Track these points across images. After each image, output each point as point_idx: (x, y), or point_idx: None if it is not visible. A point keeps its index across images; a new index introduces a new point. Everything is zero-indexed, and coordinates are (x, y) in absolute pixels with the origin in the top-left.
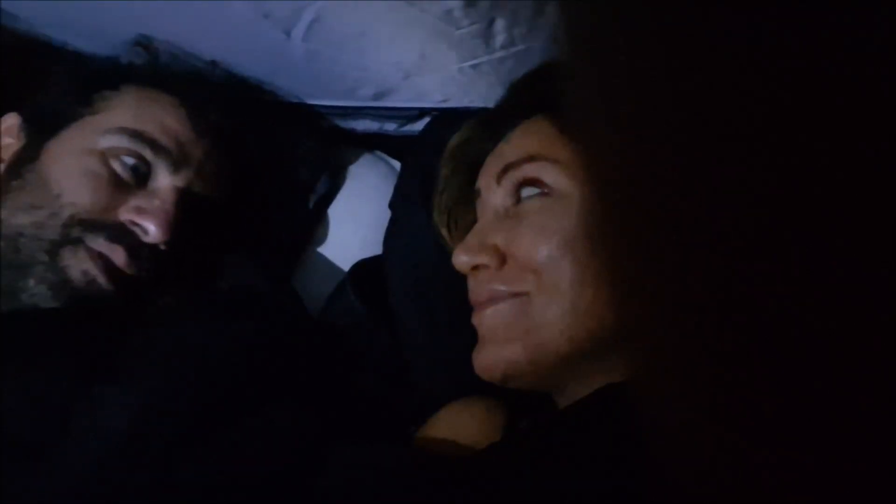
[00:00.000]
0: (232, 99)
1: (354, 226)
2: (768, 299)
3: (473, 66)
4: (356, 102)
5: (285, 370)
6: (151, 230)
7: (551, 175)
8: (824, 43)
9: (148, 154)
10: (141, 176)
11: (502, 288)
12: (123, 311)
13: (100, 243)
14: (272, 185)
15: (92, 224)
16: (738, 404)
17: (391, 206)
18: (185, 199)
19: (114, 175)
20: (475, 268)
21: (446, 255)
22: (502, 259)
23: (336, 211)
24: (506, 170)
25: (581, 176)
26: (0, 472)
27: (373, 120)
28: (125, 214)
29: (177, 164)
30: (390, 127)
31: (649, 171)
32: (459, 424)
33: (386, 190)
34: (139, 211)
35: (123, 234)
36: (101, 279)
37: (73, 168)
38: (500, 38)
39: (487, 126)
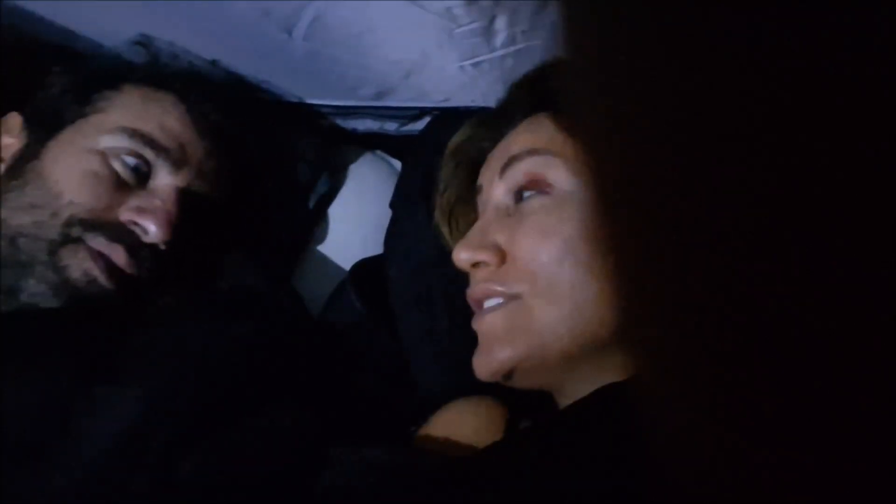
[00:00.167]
0: (232, 98)
1: (355, 225)
2: (768, 299)
3: (474, 65)
4: (357, 102)
5: (285, 370)
6: (152, 230)
7: (555, 171)
8: (824, 43)
9: (148, 154)
10: (141, 176)
11: (498, 287)
12: (124, 311)
13: (100, 243)
14: (272, 184)
15: (92, 224)
16: (738, 404)
17: (392, 205)
18: (185, 198)
19: (114, 175)
20: (475, 265)
21: (447, 254)
22: (503, 257)
23: (336, 211)
24: (509, 163)
25: (583, 173)
26: (0, 473)
27: (373, 119)
28: (125, 214)
29: (177, 164)
30: (391, 126)
31: (650, 170)
32: (460, 424)
33: (386, 190)
34: (139, 211)
35: (124, 234)
36: (102, 278)
37: (74, 168)
38: (500, 37)
39: (489, 124)
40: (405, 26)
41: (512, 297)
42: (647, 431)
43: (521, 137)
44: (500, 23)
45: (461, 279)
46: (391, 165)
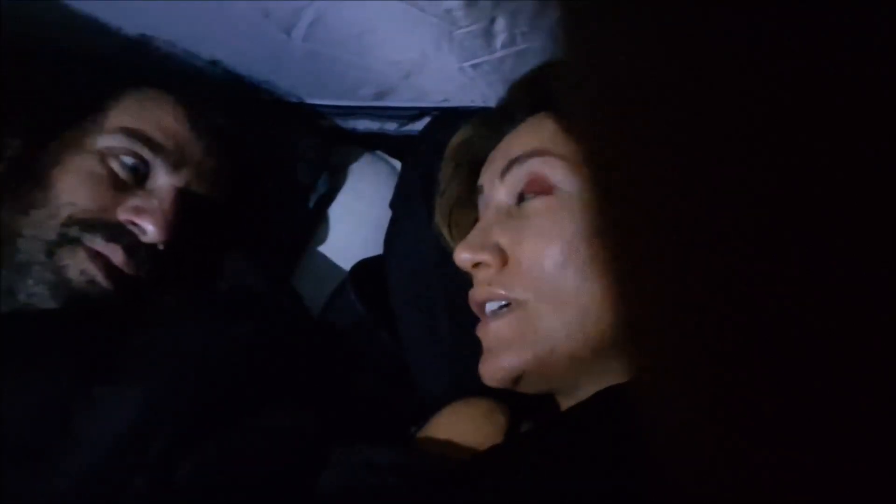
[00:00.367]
0: (232, 98)
1: (355, 226)
2: (769, 299)
3: (474, 66)
4: (356, 102)
5: (285, 370)
6: (150, 230)
7: (557, 172)
8: (824, 43)
9: (146, 154)
10: (140, 176)
11: (501, 291)
12: (123, 312)
13: (98, 243)
14: (272, 184)
15: (90, 224)
16: (738, 404)
17: (392, 206)
18: (183, 198)
19: (112, 175)
20: (476, 265)
21: (447, 255)
22: (504, 259)
23: (336, 211)
24: (510, 164)
25: (584, 174)
26: (0, 474)
27: (373, 119)
28: (123, 214)
29: (176, 164)
30: (391, 126)
31: (650, 170)
32: (461, 425)
33: (386, 190)
34: (137, 211)
35: (122, 234)
36: (100, 278)
37: (72, 168)
38: (500, 38)
39: (489, 124)
40: (405, 27)
41: (516, 303)
42: (647, 432)
43: (521, 138)
44: (500, 24)
45: (461, 280)
46: (391, 165)
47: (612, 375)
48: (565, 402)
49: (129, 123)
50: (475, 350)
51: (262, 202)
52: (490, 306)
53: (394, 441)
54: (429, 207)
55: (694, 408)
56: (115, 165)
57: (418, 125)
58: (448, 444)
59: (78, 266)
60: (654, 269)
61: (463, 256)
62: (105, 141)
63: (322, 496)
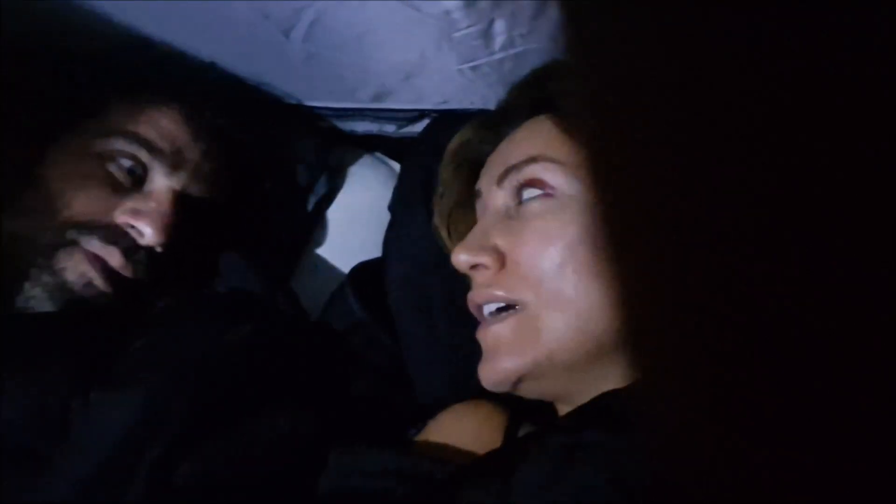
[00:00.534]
0: (230, 100)
1: (354, 228)
2: (769, 300)
3: (473, 68)
4: (355, 104)
5: (284, 373)
6: (147, 232)
7: (554, 176)
8: (824, 43)
9: (144, 156)
10: (137, 178)
11: (500, 293)
12: (121, 314)
13: (95, 245)
14: (270, 186)
15: (88, 226)
16: (738, 405)
17: (391, 208)
18: (181, 200)
19: (110, 177)
20: (474, 267)
21: (446, 257)
22: (502, 261)
23: (335, 213)
24: (507, 172)
25: (583, 177)
26: None
27: (372, 121)
28: (121, 217)
29: (173, 166)
30: (390, 128)
31: (650, 172)
32: (459, 428)
33: (385, 192)
34: (135, 213)
35: (119, 236)
36: (98, 281)
37: (70, 171)
38: (499, 40)
39: (488, 127)
40: (404, 29)
41: (516, 304)
42: (647, 434)
43: (519, 144)
44: (499, 26)
45: (460, 282)
46: (390, 167)
47: (611, 379)
48: (563, 406)
49: (127, 126)
50: (474, 353)
51: (261, 204)
52: (488, 308)
53: (392, 443)
54: (428, 209)
55: (694, 409)
56: (112, 168)
57: (417, 127)
58: (446, 448)
59: (76, 269)
60: (655, 270)
61: (461, 258)
62: (103, 144)
63: (320, 499)
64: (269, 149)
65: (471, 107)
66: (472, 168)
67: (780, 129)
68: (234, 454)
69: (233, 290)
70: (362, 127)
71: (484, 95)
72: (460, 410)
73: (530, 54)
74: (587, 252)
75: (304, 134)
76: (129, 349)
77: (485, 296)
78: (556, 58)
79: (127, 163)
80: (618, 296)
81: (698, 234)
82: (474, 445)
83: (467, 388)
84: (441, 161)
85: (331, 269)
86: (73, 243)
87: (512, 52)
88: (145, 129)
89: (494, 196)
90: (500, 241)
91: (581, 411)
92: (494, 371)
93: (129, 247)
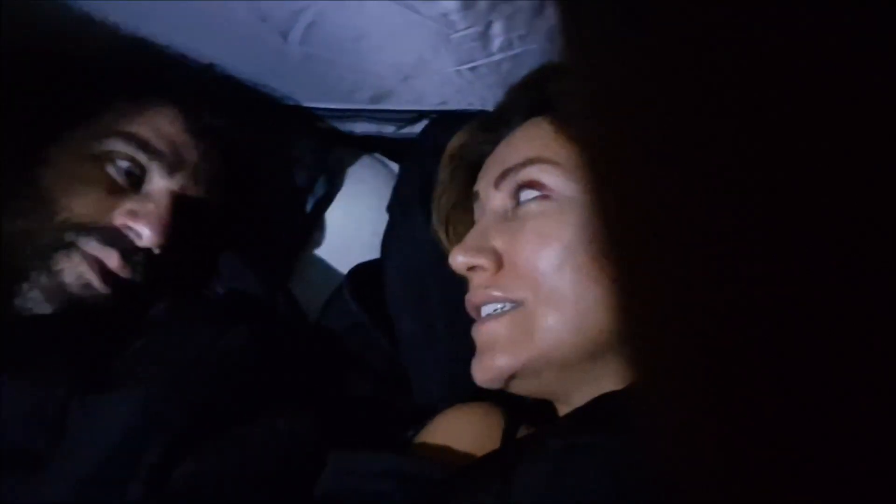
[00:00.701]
0: (228, 102)
1: (352, 229)
2: (767, 299)
3: (471, 69)
4: (354, 105)
5: (282, 375)
6: (145, 234)
7: (552, 177)
8: (825, 44)
9: (142, 157)
10: (135, 179)
11: (498, 293)
12: (119, 316)
13: (93, 247)
14: (269, 187)
15: (85, 228)
16: (737, 405)
17: (389, 209)
18: (179, 202)
19: (108, 179)
20: (471, 269)
21: (444, 258)
22: (500, 262)
23: (334, 214)
24: (505, 174)
25: (581, 178)
26: None
27: (371, 122)
28: (119, 218)
29: (171, 168)
30: (389, 129)
31: (647, 173)
32: (458, 430)
33: (384, 193)
34: (133, 214)
35: (117, 238)
36: (96, 283)
37: (68, 172)
38: (497, 42)
39: (486, 128)
40: (402, 31)
41: (513, 303)
42: (646, 435)
43: (516, 146)
44: (497, 28)
45: (458, 283)
46: (389, 168)
47: (608, 380)
48: (562, 408)
49: (126, 127)
50: (472, 354)
51: (259, 205)
52: (486, 309)
53: (391, 445)
54: (426, 211)
55: (693, 409)
56: (110, 169)
57: (416, 128)
58: (445, 449)
59: (73, 270)
60: (652, 271)
61: (458, 260)
62: (101, 145)
63: (318, 500)
64: (267, 150)
65: (469, 108)
66: (470, 169)
67: (779, 130)
68: (232, 456)
69: (231, 291)
70: (361, 128)
71: (482, 97)
72: (459, 412)
73: (528, 56)
74: (584, 253)
75: (303, 135)
76: (127, 351)
77: (483, 297)
78: (553, 60)
79: (125, 164)
80: (615, 296)
81: (696, 234)
82: (473, 447)
83: (466, 390)
84: (440, 162)
85: (329, 270)
86: (71, 245)
87: (510, 53)
88: (143, 131)
89: (492, 197)
90: (498, 243)
91: (580, 413)
92: (487, 368)
93: (127, 248)
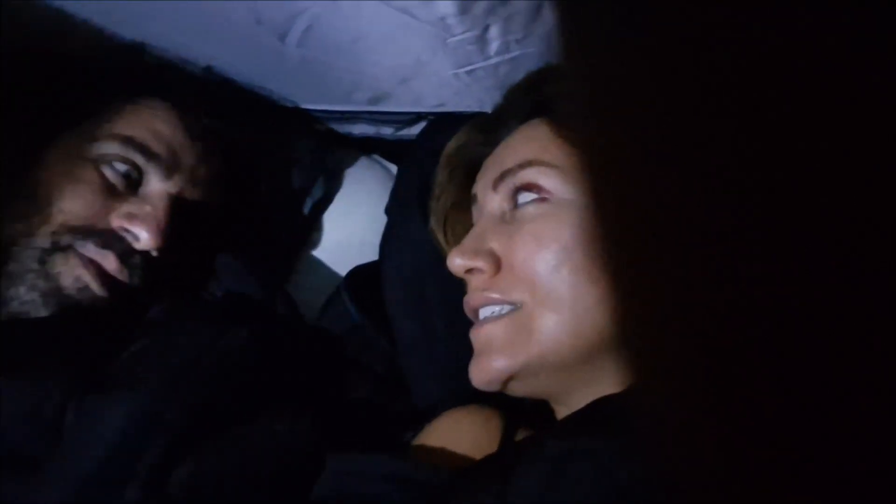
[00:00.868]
0: (226, 104)
1: (351, 231)
2: (767, 300)
3: (469, 72)
4: (352, 107)
5: (281, 377)
6: (143, 236)
7: (550, 180)
8: (824, 44)
9: (139, 160)
10: (132, 182)
11: (496, 295)
12: (116, 319)
13: (90, 249)
14: (267, 189)
15: (83, 231)
16: (736, 405)
17: (387, 210)
18: (177, 204)
19: (105, 181)
20: (469, 271)
21: (442, 260)
22: (498, 264)
23: (332, 215)
24: (503, 176)
25: (579, 180)
26: None
27: (369, 124)
28: (116, 221)
29: (169, 170)
30: (387, 131)
31: (647, 174)
32: (456, 433)
33: (383, 194)
34: (130, 217)
35: (114, 241)
36: (94, 285)
37: (65, 175)
38: (494, 45)
39: (484, 130)
40: (399, 34)
41: (511, 305)
42: (646, 437)
43: (514, 149)
44: (494, 31)
45: (456, 286)
46: (387, 169)
47: (607, 382)
48: (560, 411)
49: (123, 130)
50: (470, 356)
51: (258, 207)
52: (484, 312)
53: (389, 447)
54: (424, 212)
55: (693, 410)
56: (107, 172)
57: (415, 129)
58: (443, 453)
59: (71, 273)
60: (650, 273)
61: (456, 262)
62: (98, 148)
63: (316, 503)
64: (265, 151)
65: (467, 110)
66: (468, 171)
67: (778, 131)
68: (231, 459)
69: (229, 293)
70: (359, 129)
71: (480, 99)
72: (457, 415)
73: (526, 59)
74: (582, 255)
75: (301, 136)
76: (124, 353)
77: (481, 300)
78: (551, 62)
79: (122, 167)
80: (613, 298)
81: (694, 235)
82: (471, 450)
83: (464, 392)
84: (438, 164)
85: (328, 271)
86: (69, 248)
87: (507, 56)
88: (141, 133)
89: (490, 200)
90: (496, 245)
91: (578, 416)
92: (485, 370)
93: (125, 251)
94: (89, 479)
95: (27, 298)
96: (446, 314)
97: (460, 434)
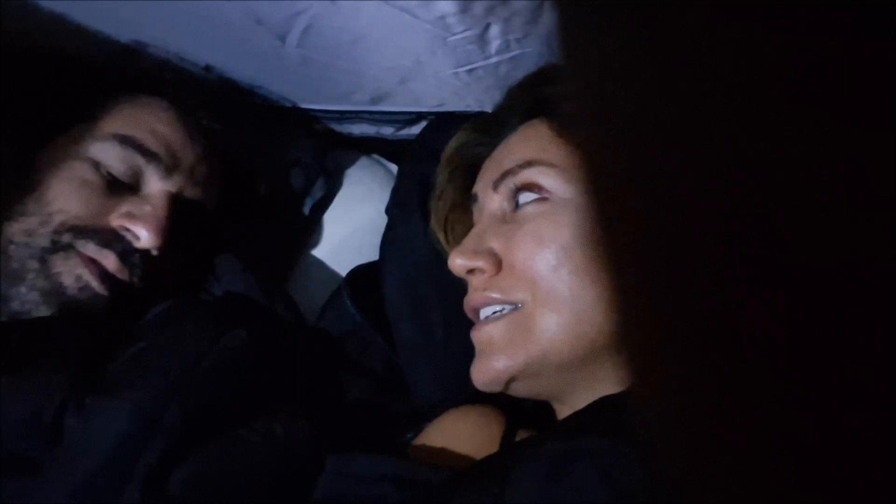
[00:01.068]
0: (226, 104)
1: (351, 231)
2: (768, 299)
3: (469, 71)
4: (352, 107)
5: (280, 379)
6: (143, 235)
7: (550, 179)
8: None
9: (139, 160)
10: (132, 181)
11: (497, 295)
12: (116, 318)
13: (91, 249)
14: (266, 189)
15: (83, 230)
16: (737, 404)
17: (388, 210)
18: (177, 204)
19: (105, 181)
20: (471, 272)
21: (442, 260)
22: (498, 264)
23: (332, 215)
24: (503, 176)
25: (579, 180)
26: None
27: (369, 124)
28: (116, 220)
29: (168, 170)
30: (387, 130)
31: (646, 174)
32: (456, 433)
33: (383, 194)
34: (130, 216)
35: (115, 240)
36: (94, 285)
37: (64, 175)
38: (495, 44)
39: (484, 129)
40: (399, 34)
41: (512, 305)
42: (645, 439)
43: (514, 149)
44: (494, 31)
45: (457, 286)
46: (387, 169)
47: (607, 382)
48: (561, 411)
49: (122, 130)
50: (470, 356)
51: (257, 207)
52: (485, 312)
53: (389, 448)
54: (425, 213)
55: (692, 410)
56: (107, 171)
57: (415, 129)
58: (443, 453)
59: (71, 273)
60: (649, 273)
61: (457, 263)
62: (98, 147)
63: None
64: (265, 151)
65: (467, 109)
66: (468, 171)
67: (778, 131)
68: (229, 461)
69: (229, 293)
70: (359, 129)
71: (480, 98)
72: (457, 415)
73: (526, 58)
74: (582, 254)
75: (301, 136)
76: (124, 354)
77: (481, 300)
78: (551, 62)
79: (122, 166)
80: (612, 298)
81: (693, 235)
82: (471, 450)
83: (464, 393)
84: (438, 164)
85: (328, 272)
86: (69, 247)
87: (507, 56)
88: (140, 132)
89: (490, 200)
90: (496, 245)
91: (578, 416)
92: (486, 370)
93: (125, 250)
94: (89, 480)
95: (28, 298)
96: (446, 314)
97: (460, 434)
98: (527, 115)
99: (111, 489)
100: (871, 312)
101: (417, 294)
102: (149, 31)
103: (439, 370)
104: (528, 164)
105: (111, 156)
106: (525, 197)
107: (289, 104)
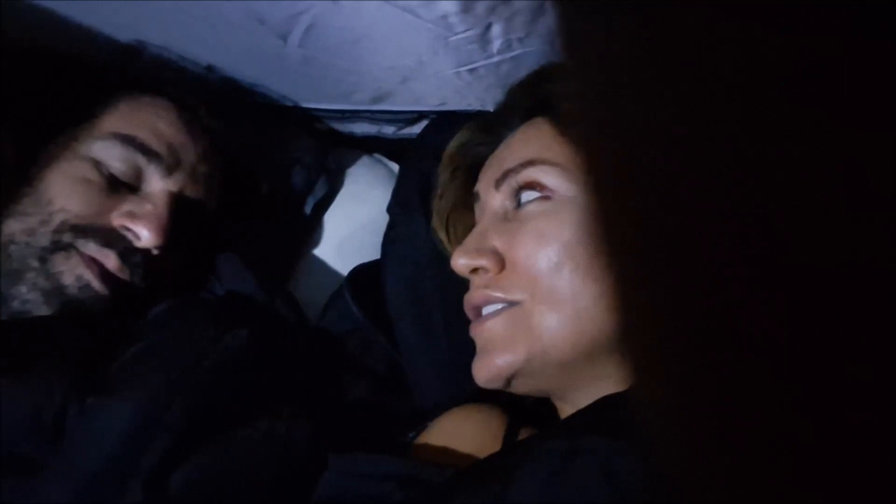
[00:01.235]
0: (227, 103)
1: (352, 230)
2: (768, 299)
3: (470, 71)
4: (354, 106)
5: (281, 378)
6: (144, 235)
7: (552, 178)
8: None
9: (140, 159)
10: (133, 181)
11: (498, 294)
12: (117, 318)
13: (91, 248)
14: (268, 188)
15: (83, 229)
16: (738, 404)
17: (389, 210)
18: (178, 203)
19: (105, 180)
20: (474, 271)
21: (444, 259)
22: (501, 263)
23: (334, 215)
24: (505, 175)
25: (580, 178)
26: None
27: (371, 123)
28: (117, 219)
29: (169, 169)
30: (388, 130)
31: (645, 173)
32: (458, 432)
33: (384, 193)
34: (131, 216)
35: (116, 239)
36: (95, 284)
37: (65, 174)
38: (496, 44)
39: (486, 128)
40: (400, 33)
41: (512, 303)
42: (647, 438)
43: (515, 148)
44: (496, 30)
45: (458, 285)
46: (389, 168)
47: (610, 380)
48: (563, 409)
49: (123, 129)
50: (472, 355)
51: (258, 206)
52: (486, 310)
53: (391, 448)
54: (426, 211)
55: (692, 409)
56: (108, 171)
57: (416, 128)
58: (445, 452)
59: (72, 272)
60: (651, 271)
61: (461, 262)
62: (98, 146)
63: None
64: (266, 151)
65: (469, 108)
66: (469, 170)
67: (778, 131)
68: (231, 460)
69: (230, 292)
70: (361, 129)
71: (482, 97)
72: (459, 414)
73: (527, 57)
74: (584, 253)
75: (303, 136)
76: (125, 354)
77: (483, 298)
78: (552, 61)
79: (123, 165)
80: (614, 296)
81: (694, 234)
82: (473, 449)
83: (466, 391)
84: (440, 163)
85: (329, 271)
86: (70, 246)
87: (509, 55)
88: (141, 131)
89: (492, 199)
90: (499, 243)
91: (580, 415)
92: (487, 368)
93: (126, 250)
94: (90, 480)
95: (28, 297)
96: (448, 313)
97: (462, 433)
98: (528, 114)
99: (113, 489)
100: (871, 312)
101: (419, 293)
102: (150, 30)
103: (441, 369)
104: (530, 162)
105: (112, 155)
106: (527, 195)
107: (290, 103)
